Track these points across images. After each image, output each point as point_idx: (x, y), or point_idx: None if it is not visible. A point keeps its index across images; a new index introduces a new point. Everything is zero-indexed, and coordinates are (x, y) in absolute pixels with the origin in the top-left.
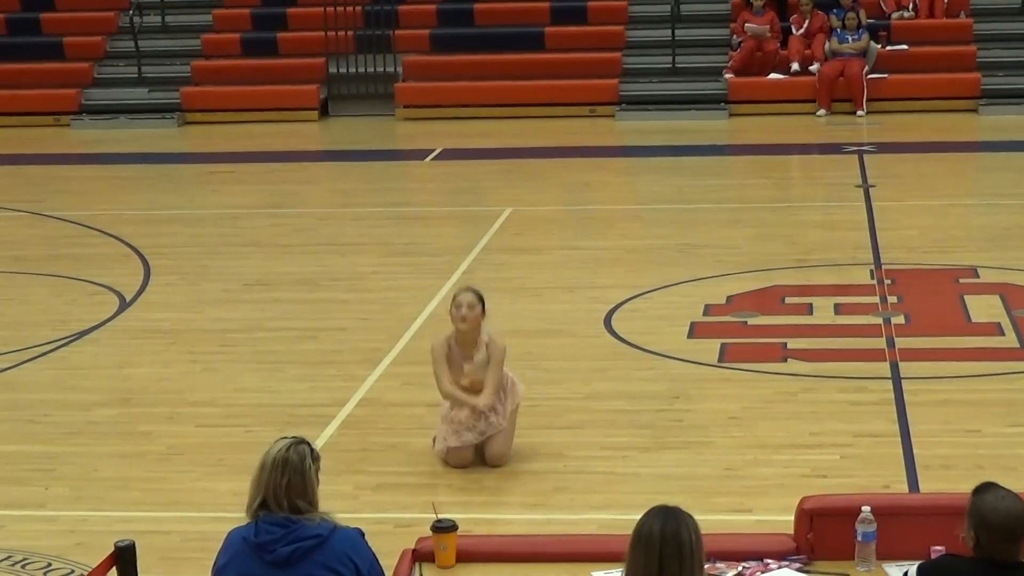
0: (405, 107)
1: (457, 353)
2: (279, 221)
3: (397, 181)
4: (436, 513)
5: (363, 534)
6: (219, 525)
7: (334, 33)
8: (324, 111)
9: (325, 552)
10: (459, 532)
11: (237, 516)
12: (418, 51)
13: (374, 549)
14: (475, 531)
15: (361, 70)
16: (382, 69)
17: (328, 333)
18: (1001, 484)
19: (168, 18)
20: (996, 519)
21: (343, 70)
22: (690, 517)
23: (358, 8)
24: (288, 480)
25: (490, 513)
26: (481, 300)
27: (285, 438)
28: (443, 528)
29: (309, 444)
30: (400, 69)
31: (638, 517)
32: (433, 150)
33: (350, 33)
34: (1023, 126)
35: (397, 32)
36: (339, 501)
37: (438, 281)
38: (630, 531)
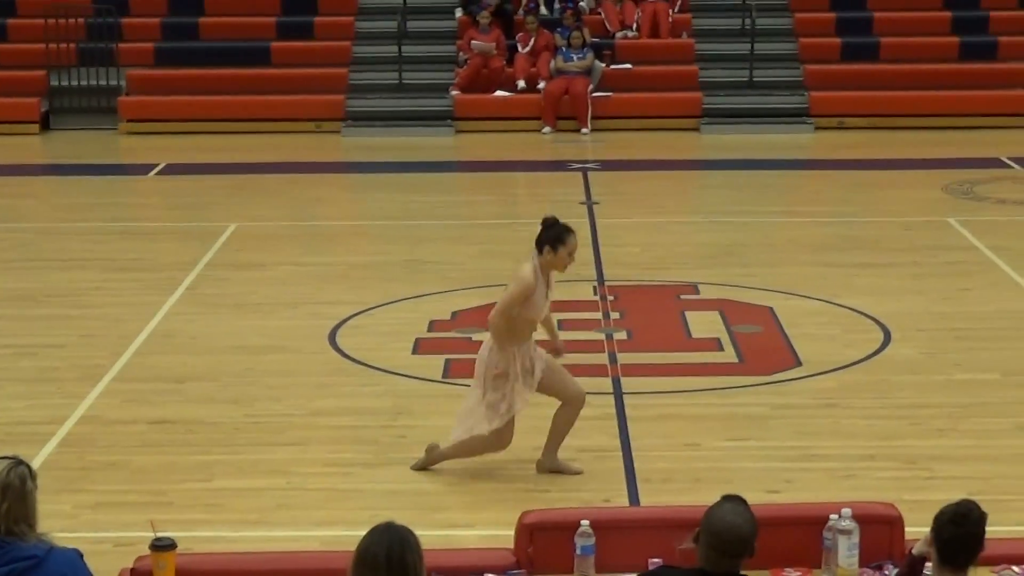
0: (129, 121)
1: (543, 283)
2: None
3: (120, 196)
4: (154, 531)
5: (81, 555)
6: None
7: (55, 45)
8: (45, 124)
9: (41, 574)
10: (178, 550)
11: None
12: (142, 65)
13: (93, 569)
14: (195, 549)
15: (84, 83)
16: (105, 82)
17: (47, 350)
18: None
19: None
20: (718, 528)
21: (65, 83)
22: (413, 536)
23: (80, 20)
24: (8, 506)
25: (211, 531)
26: None
27: (1, 459)
28: (161, 547)
29: (27, 464)
30: (124, 83)
31: (361, 533)
32: (157, 165)
33: (72, 45)
34: (743, 145)
35: (121, 45)
36: (57, 520)
37: (161, 297)
38: (353, 547)
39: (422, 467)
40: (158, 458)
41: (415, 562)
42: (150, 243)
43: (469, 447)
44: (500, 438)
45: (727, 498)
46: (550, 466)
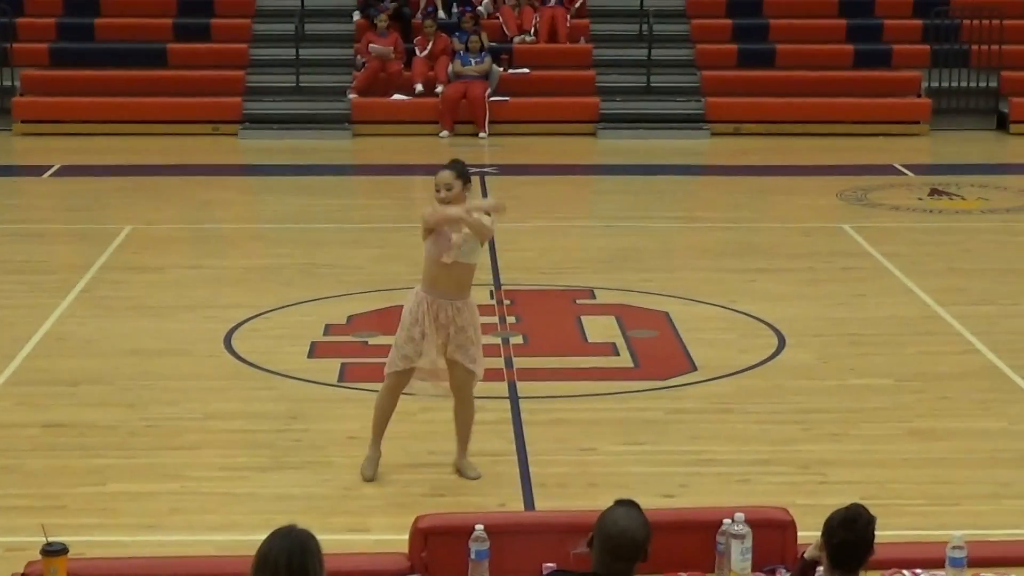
0: (23, 122)
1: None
2: None
3: (13, 197)
4: (45, 536)
5: None
6: None
7: None
8: None
9: None
10: (70, 555)
11: None
12: (37, 65)
13: None
14: (88, 554)
15: None
16: None
17: None
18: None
19: None
20: (611, 532)
21: None
22: (314, 541)
23: None
24: None
25: (104, 535)
26: (461, 175)
27: None
28: (52, 551)
29: None
30: (18, 83)
31: (256, 537)
32: (51, 166)
33: None
34: (639, 150)
35: (15, 45)
36: None
37: (55, 299)
38: (248, 552)
39: (373, 468)
40: (51, 462)
41: (316, 567)
42: (43, 245)
43: (377, 412)
44: (391, 391)
45: (620, 502)
46: (458, 466)
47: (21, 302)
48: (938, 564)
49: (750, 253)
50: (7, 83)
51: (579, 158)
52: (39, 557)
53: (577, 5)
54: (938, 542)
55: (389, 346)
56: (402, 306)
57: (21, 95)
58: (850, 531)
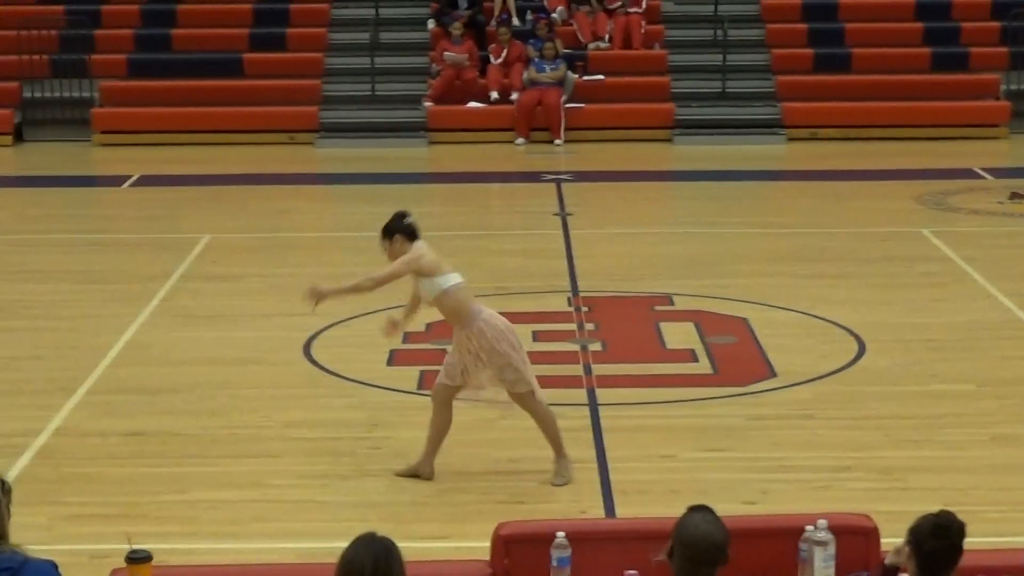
0: (102, 133)
1: None
2: None
3: (94, 207)
4: (130, 543)
5: (56, 566)
6: None
7: (28, 57)
8: (19, 136)
9: None
10: (154, 563)
11: None
12: (115, 76)
13: None
14: (171, 562)
15: (56, 95)
16: (78, 94)
17: (23, 362)
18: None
19: None
20: (691, 538)
21: (38, 95)
22: (396, 548)
23: (53, 32)
24: None
25: (187, 543)
26: (385, 234)
27: None
28: (137, 559)
29: None
30: (97, 94)
31: (337, 545)
32: (130, 176)
33: (45, 57)
34: (715, 156)
35: (93, 57)
36: (32, 532)
37: (135, 308)
38: (329, 559)
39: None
40: (133, 470)
41: (400, 573)
42: (124, 255)
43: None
44: (434, 401)
45: (695, 508)
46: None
47: (102, 311)
48: (1022, 572)
49: (828, 258)
50: (86, 94)
51: (655, 164)
52: (124, 564)
53: (642, 8)
54: (1021, 549)
55: None
56: None
57: (100, 106)
58: (943, 539)
